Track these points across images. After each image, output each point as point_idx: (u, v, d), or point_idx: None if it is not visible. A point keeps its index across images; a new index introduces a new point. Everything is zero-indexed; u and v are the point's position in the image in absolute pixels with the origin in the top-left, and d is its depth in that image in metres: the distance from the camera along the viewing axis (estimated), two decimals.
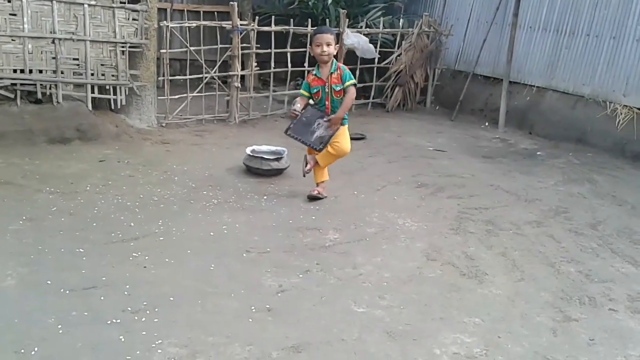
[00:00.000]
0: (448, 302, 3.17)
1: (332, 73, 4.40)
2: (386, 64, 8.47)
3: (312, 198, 4.58)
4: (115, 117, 6.31)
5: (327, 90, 4.40)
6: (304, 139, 4.40)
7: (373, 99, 8.57)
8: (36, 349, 2.48)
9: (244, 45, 7.08)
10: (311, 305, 3.04)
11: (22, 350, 2.47)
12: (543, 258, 3.85)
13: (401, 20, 8.61)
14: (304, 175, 4.67)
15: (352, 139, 6.58)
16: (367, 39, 7.92)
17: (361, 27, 8.17)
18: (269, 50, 7.36)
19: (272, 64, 7.45)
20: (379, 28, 8.31)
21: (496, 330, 2.93)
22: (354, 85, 4.41)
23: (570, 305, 3.26)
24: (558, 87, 7.53)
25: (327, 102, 4.42)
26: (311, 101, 4.51)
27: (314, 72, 4.45)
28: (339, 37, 7.80)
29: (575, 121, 7.19)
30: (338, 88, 4.39)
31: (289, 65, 7.57)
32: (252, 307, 2.96)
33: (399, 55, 8.43)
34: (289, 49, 7.53)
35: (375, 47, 8.10)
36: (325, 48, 4.28)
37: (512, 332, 2.93)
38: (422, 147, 6.56)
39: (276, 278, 3.30)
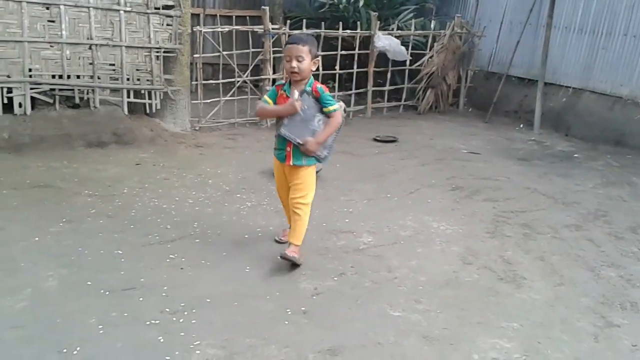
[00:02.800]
0: (486, 307, 3.12)
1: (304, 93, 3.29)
2: (418, 66, 8.42)
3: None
4: (150, 121, 6.40)
5: None
6: (299, 137, 3.27)
7: (405, 101, 8.52)
8: (78, 348, 2.53)
9: (276, 49, 7.12)
10: (346, 309, 3.03)
11: (65, 350, 2.52)
12: (583, 262, 3.76)
13: (433, 21, 8.55)
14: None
15: (384, 141, 6.68)
16: (398, 41, 7.88)
17: (392, 29, 8.14)
18: None
19: None
20: (410, 30, 8.27)
21: (536, 336, 2.88)
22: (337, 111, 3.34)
23: (611, 311, 3.18)
24: (595, 88, 7.37)
25: None
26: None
27: (284, 88, 3.35)
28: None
29: (614, 122, 7.02)
30: (306, 104, 3.30)
31: (320, 68, 7.58)
32: (288, 310, 2.97)
33: (430, 57, 8.37)
34: (320, 52, 7.54)
35: (407, 49, 8.06)
36: (294, 64, 3.19)
37: (552, 338, 2.88)
38: (455, 150, 6.49)
39: (311, 281, 3.30)
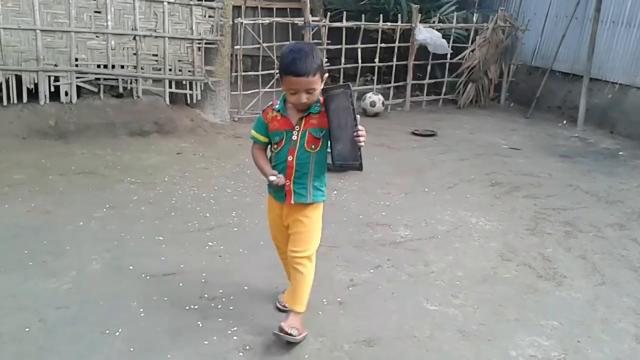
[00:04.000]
0: (524, 304, 3.07)
1: (310, 113, 2.51)
2: (459, 59, 8.32)
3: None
4: (191, 111, 6.51)
5: (295, 138, 2.51)
6: (351, 158, 2.47)
7: (444, 95, 8.43)
8: (120, 330, 2.60)
9: (315, 41, 7.13)
10: (382, 301, 3.03)
11: (107, 331, 2.59)
12: (625, 262, 3.66)
13: (475, 14, 8.43)
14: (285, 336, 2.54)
15: (422, 135, 6.62)
16: (439, 34, 7.80)
17: (434, 22, 8.06)
18: (339, 46, 7.38)
19: (343, 60, 7.46)
20: (452, 23, 8.17)
21: (575, 335, 2.82)
22: None
23: None
24: None
25: (289, 158, 2.52)
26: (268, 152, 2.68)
27: (277, 107, 2.56)
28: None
29: None
30: (318, 134, 2.52)
31: (359, 61, 7.56)
32: (324, 300, 2.98)
33: (472, 51, 8.25)
34: (359, 45, 7.53)
35: (448, 43, 7.97)
36: (304, 98, 2.41)
37: (592, 337, 2.81)
38: (495, 145, 6.39)
39: (347, 272, 3.31)
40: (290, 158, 2.52)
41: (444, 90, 8.41)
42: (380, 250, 3.63)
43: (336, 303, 2.97)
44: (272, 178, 2.51)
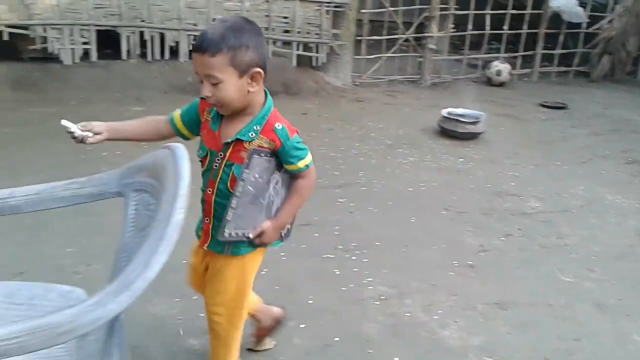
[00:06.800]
0: None
1: (240, 140, 1.63)
2: (595, 29, 7.80)
3: None
4: (315, 74, 6.65)
5: (218, 162, 1.66)
6: (252, 225, 1.70)
7: (577, 67, 7.97)
8: (265, 270, 2.78)
9: (442, 6, 6.99)
10: (514, 268, 3.01)
11: (263, 272, 2.78)
12: None
13: None
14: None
15: (551, 107, 6.34)
16: (575, 2, 7.38)
17: None
18: (467, 12, 7.18)
19: (470, 26, 7.26)
20: None
21: None
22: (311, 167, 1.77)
23: None
24: None
25: (209, 191, 1.69)
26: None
27: (212, 113, 1.70)
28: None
29: None
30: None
31: (487, 27, 7.32)
32: (454, 262, 3.02)
33: (610, 21, 7.70)
34: (488, 11, 7.28)
35: (585, 11, 7.50)
36: (205, 90, 1.57)
37: None
38: (633, 122, 6.01)
39: (476, 238, 3.31)
40: (209, 191, 1.70)
41: (575, 61, 7.95)
42: (510, 219, 3.59)
43: (467, 266, 3.00)
44: (63, 122, 1.57)
